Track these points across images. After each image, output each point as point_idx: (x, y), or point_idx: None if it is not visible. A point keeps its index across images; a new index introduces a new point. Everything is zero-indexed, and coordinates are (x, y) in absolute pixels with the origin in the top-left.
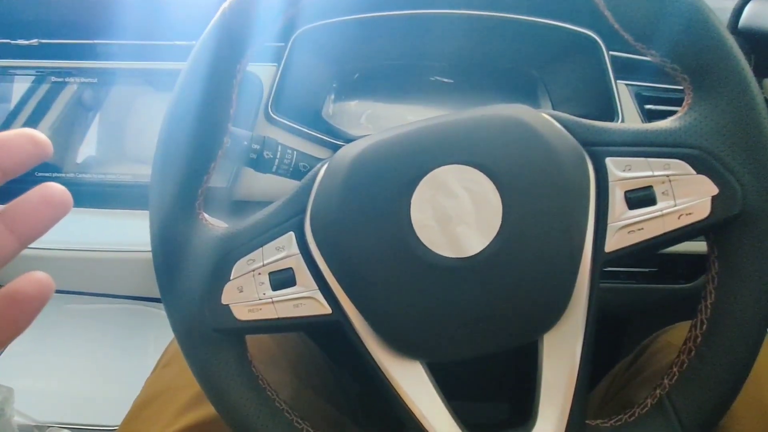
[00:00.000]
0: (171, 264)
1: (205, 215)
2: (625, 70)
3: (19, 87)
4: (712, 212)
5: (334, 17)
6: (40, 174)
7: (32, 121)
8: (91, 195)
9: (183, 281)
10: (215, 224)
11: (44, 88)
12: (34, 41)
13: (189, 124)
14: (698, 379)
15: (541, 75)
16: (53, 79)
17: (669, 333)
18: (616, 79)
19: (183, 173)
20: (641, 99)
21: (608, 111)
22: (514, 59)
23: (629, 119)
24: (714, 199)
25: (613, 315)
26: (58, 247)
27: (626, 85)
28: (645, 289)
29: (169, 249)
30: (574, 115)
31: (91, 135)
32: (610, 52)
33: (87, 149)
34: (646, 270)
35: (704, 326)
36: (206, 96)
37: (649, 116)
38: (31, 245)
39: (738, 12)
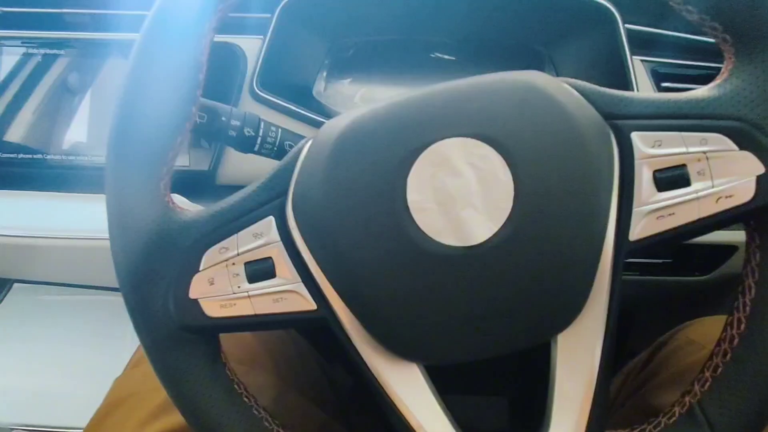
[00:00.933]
0: (131, 254)
1: (173, 197)
2: (640, 44)
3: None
4: (756, 195)
5: None
6: (3, 155)
7: (16, 104)
8: (64, 178)
9: (145, 273)
10: (184, 207)
11: (28, 65)
12: None
13: (149, 90)
14: (736, 386)
15: (548, 51)
16: (15, 50)
17: (689, 329)
18: (631, 54)
19: (144, 149)
20: (657, 76)
21: (622, 89)
22: (520, 34)
23: None
24: (760, 179)
25: (623, 308)
26: (33, 235)
27: (641, 60)
28: (658, 281)
29: (129, 237)
30: None
31: (77, 119)
32: (626, 25)
33: (74, 134)
34: (660, 261)
35: (742, 325)
36: (169, 57)
37: None
38: (4, 232)
39: None
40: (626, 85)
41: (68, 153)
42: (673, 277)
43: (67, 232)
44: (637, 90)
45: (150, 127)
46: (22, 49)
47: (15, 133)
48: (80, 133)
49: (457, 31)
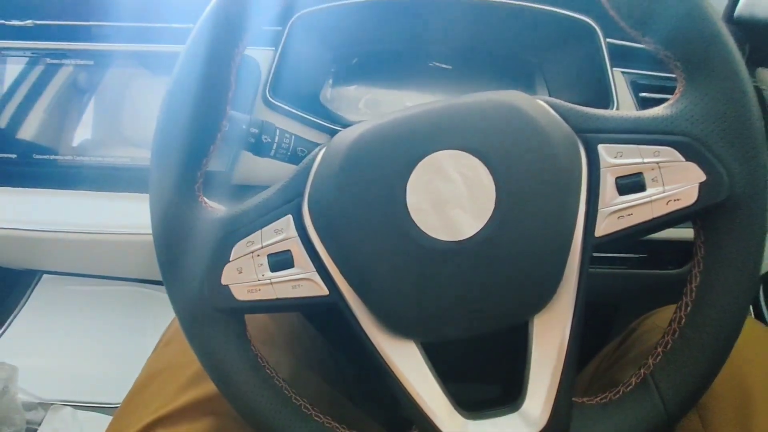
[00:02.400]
0: (172, 246)
1: (205, 198)
2: (621, 57)
3: (13, 69)
4: (699, 198)
5: (333, 1)
6: (38, 156)
7: (26, 104)
8: (90, 178)
9: (184, 263)
10: (215, 207)
11: (39, 69)
12: (28, 22)
13: (187, 107)
14: (681, 359)
15: (538, 61)
16: (48, 60)
17: (655, 315)
18: (612, 66)
19: (182, 157)
20: (636, 87)
21: (604, 98)
22: (512, 45)
23: (624, 107)
24: (701, 185)
25: (604, 299)
26: (60, 229)
27: (622, 72)
28: (635, 275)
29: (170, 231)
30: (571, 102)
31: (87, 117)
32: (607, 40)
33: (83, 131)
34: (636, 256)
35: (689, 308)
36: (204, 80)
37: (644, 104)
38: (33, 227)
39: (734, 1)
40: (607, 95)
41: (97, 154)
42: (650, 270)
43: (93, 227)
44: (617, 100)
45: (188, 138)
46: (50, 60)
47: (47, 137)
48: (107, 136)
49: (454, 41)
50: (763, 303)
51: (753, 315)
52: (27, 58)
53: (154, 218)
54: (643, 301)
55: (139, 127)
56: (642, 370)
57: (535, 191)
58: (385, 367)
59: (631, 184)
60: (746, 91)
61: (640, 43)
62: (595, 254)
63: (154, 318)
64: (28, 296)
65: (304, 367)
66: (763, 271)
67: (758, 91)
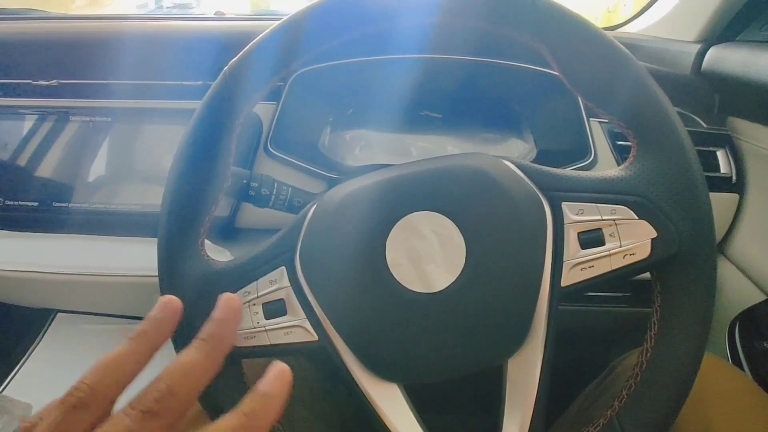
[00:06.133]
0: (176, 295)
1: (206, 251)
2: None
3: (34, 122)
4: (652, 253)
5: (330, 61)
6: (57, 204)
7: (46, 154)
8: (104, 223)
9: (186, 312)
10: (215, 259)
11: (59, 123)
12: (53, 82)
13: (193, 173)
14: (642, 402)
15: (524, 111)
16: (71, 117)
17: (633, 356)
18: (588, 117)
19: (187, 217)
20: (613, 136)
21: (583, 148)
22: (498, 97)
23: (602, 155)
24: (654, 241)
25: (590, 335)
26: (74, 272)
27: (599, 122)
28: (619, 312)
29: (175, 282)
30: (553, 150)
31: (101, 165)
32: None
33: (98, 178)
34: (620, 294)
35: (648, 354)
36: (208, 149)
37: (622, 152)
38: (50, 269)
39: (701, 56)
40: (586, 144)
41: (109, 199)
42: (633, 308)
43: (105, 269)
44: (595, 148)
45: (191, 200)
46: (72, 117)
47: (66, 185)
48: (118, 186)
49: (444, 95)
50: (738, 345)
51: (729, 358)
52: (53, 115)
53: (160, 270)
54: (629, 338)
55: (149, 167)
56: (608, 412)
57: (503, 246)
58: (369, 407)
59: (591, 239)
60: (690, 157)
61: (596, 113)
62: (561, 301)
63: (161, 356)
64: (44, 334)
65: (300, 408)
66: (737, 312)
67: (729, 138)
